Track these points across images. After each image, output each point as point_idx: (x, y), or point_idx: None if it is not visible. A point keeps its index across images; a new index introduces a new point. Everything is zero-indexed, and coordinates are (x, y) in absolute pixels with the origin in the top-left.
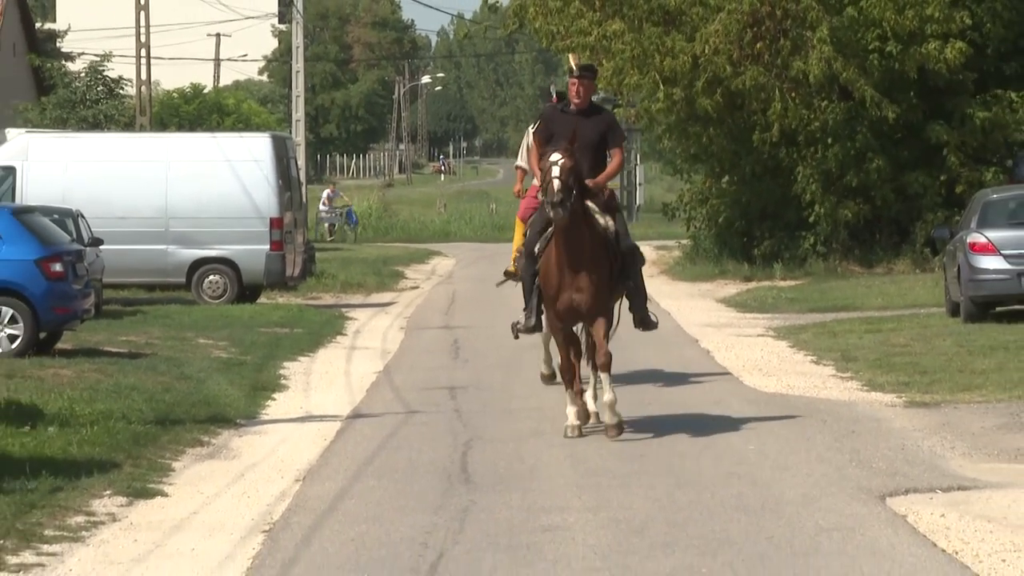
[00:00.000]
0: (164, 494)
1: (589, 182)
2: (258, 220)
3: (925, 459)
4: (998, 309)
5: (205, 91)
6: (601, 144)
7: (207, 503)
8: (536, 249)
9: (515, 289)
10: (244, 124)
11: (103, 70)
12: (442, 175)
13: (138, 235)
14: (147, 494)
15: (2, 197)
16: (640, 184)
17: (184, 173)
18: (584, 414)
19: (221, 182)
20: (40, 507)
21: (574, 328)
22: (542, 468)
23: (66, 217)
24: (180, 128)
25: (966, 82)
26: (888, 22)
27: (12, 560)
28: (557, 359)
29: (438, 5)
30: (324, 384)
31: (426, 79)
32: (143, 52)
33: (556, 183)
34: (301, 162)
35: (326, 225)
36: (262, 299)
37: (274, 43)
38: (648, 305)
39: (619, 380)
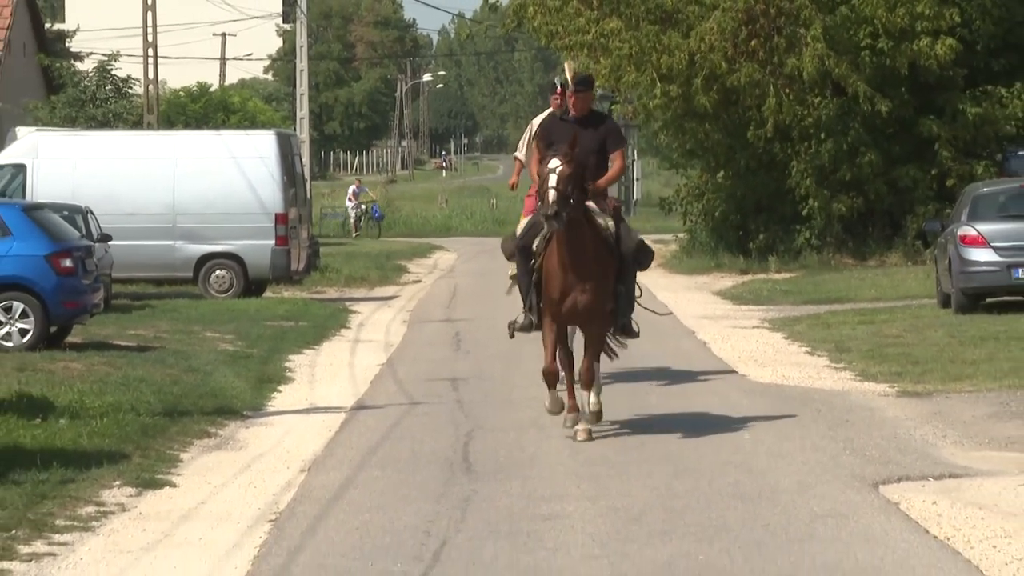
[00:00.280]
0: (172, 484)
1: (589, 185)
2: (263, 216)
3: (917, 447)
4: (988, 300)
5: (211, 90)
6: (602, 151)
7: (214, 493)
8: (535, 246)
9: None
10: (249, 122)
11: (111, 69)
12: (444, 171)
13: (146, 231)
14: (156, 484)
15: (13, 194)
16: (637, 179)
17: (191, 170)
18: (561, 404)
19: (227, 179)
20: (51, 497)
21: (569, 333)
22: (542, 457)
23: (75, 213)
24: (187, 126)
25: (956, 78)
26: (880, 19)
27: (24, 549)
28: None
29: (439, 4)
30: (329, 376)
31: (427, 77)
32: (150, 52)
33: (552, 194)
34: (305, 159)
35: (352, 220)
36: (268, 293)
37: (278, 42)
38: (646, 300)
39: (616, 371)
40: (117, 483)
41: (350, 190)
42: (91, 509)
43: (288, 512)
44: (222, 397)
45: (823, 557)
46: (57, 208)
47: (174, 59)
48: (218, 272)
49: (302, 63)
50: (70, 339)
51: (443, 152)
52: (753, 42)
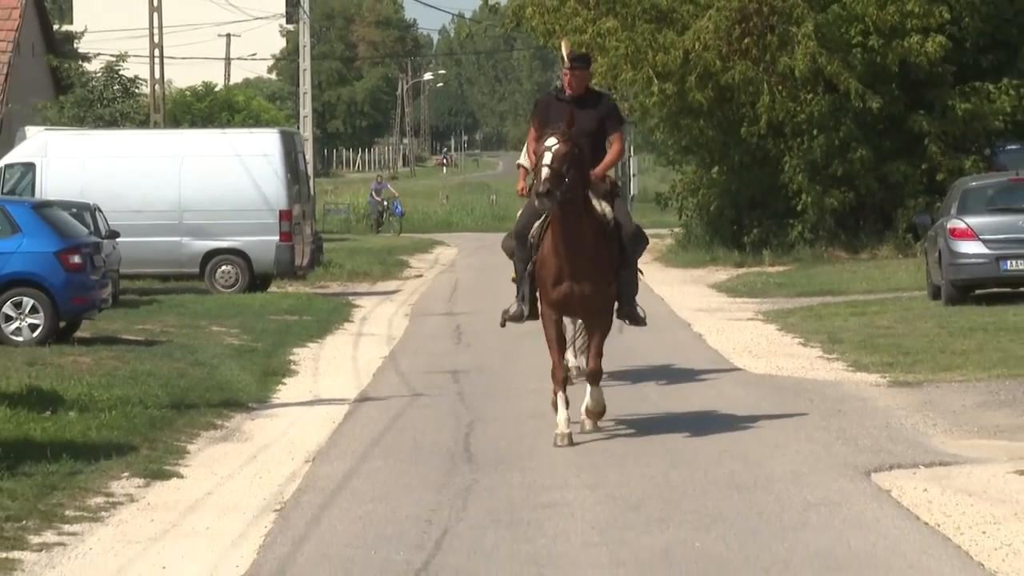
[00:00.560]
0: (180, 475)
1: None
2: (268, 212)
3: (908, 436)
4: (977, 292)
5: (216, 89)
6: (600, 131)
7: (221, 484)
8: (531, 235)
9: None
10: (254, 120)
11: (118, 70)
12: (444, 168)
13: (153, 227)
14: (163, 476)
15: (22, 192)
16: (634, 175)
17: (197, 168)
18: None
19: (232, 176)
20: (61, 489)
21: (571, 325)
22: (541, 448)
23: (84, 211)
24: (192, 125)
25: (946, 74)
26: (871, 17)
27: (34, 540)
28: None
29: (439, 4)
30: (332, 369)
31: (428, 76)
32: (157, 52)
33: (545, 171)
34: (309, 156)
35: (374, 216)
36: (272, 288)
37: (282, 42)
38: (640, 294)
39: (613, 362)
40: (125, 474)
41: (372, 186)
42: (100, 500)
43: (293, 502)
44: (228, 390)
45: (816, 544)
46: (66, 206)
47: (180, 59)
48: (224, 268)
49: (305, 63)
50: (79, 334)
51: (444, 149)
52: (746, 40)
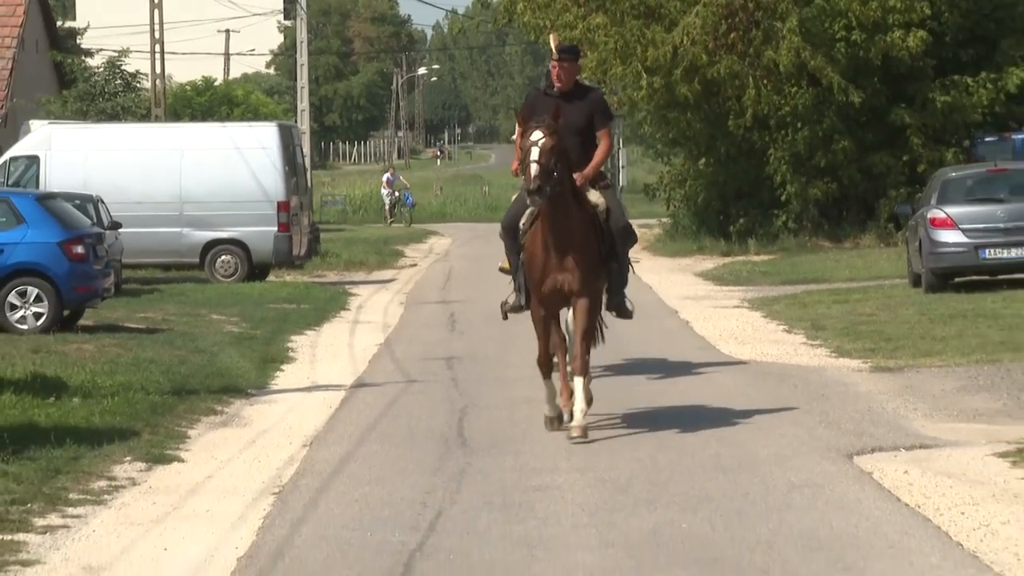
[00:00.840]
0: (181, 460)
1: (577, 176)
2: (266, 203)
3: (889, 420)
4: (957, 280)
5: (216, 84)
6: (588, 127)
7: (221, 468)
8: (521, 225)
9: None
10: (252, 114)
11: (120, 65)
12: (438, 160)
13: (154, 218)
14: (165, 460)
15: (27, 184)
16: (623, 166)
17: (197, 160)
18: (559, 409)
19: (231, 168)
20: (65, 472)
21: (561, 321)
22: (533, 432)
23: (87, 202)
24: (193, 118)
25: (926, 68)
26: (854, 12)
27: (39, 522)
28: (559, 398)
29: (433, 1)
30: (329, 356)
31: (422, 70)
32: (157, 48)
33: (534, 168)
34: (306, 149)
35: (386, 207)
36: (271, 277)
37: (280, 38)
38: (629, 283)
39: (601, 349)
40: (128, 459)
41: (384, 178)
42: (103, 483)
43: (291, 485)
44: (228, 376)
45: (800, 525)
46: (69, 197)
47: (180, 55)
48: (223, 257)
49: (302, 58)
50: (82, 322)
51: (438, 142)
52: (732, 35)
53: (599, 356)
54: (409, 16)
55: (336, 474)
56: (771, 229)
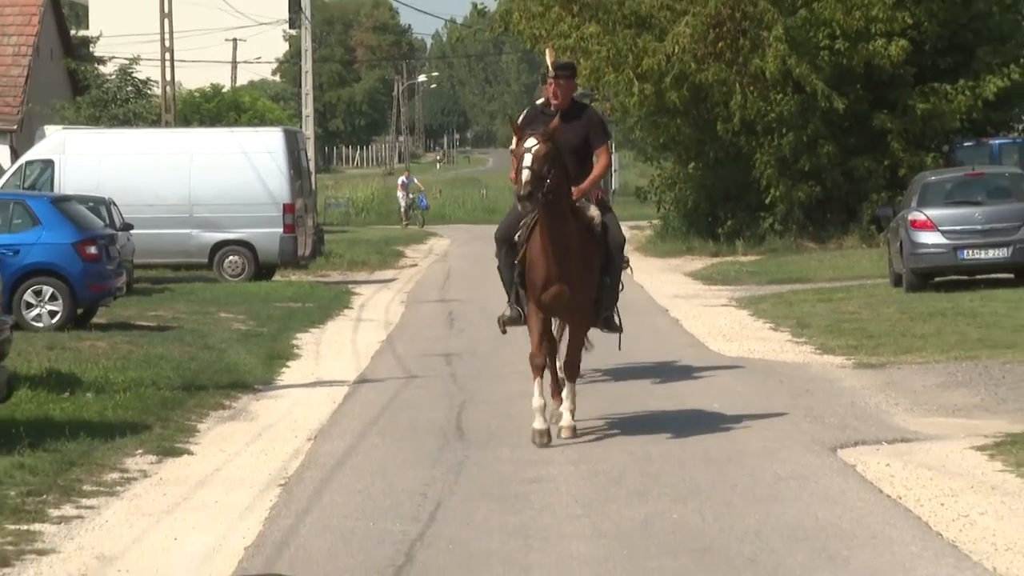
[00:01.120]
0: (190, 452)
1: (574, 190)
2: (272, 206)
3: (872, 414)
4: (936, 279)
5: (223, 90)
6: (585, 145)
7: (229, 460)
8: (517, 237)
9: None
10: (259, 120)
11: (132, 72)
12: (438, 163)
13: (165, 220)
14: (175, 453)
15: (42, 187)
16: (615, 170)
17: (205, 164)
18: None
19: (239, 172)
20: (79, 465)
21: (554, 326)
22: (529, 426)
23: (100, 205)
24: (201, 124)
25: (907, 76)
26: (837, 22)
27: (54, 512)
28: (551, 406)
29: (432, 11)
30: (333, 353)
31: (422, 78)
32: (167, 56)
33: (526, 173)
34: (310, 153)
35: (402, 209)
36: (277, 277)
37: (285, 46)
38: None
39: (594, 349)
40: (139, 451)
41: (400, 181)
42: (115, 475)
43: (296, 477)
44: (235, 372)
45: (786, 515)
46: (83, 200)
47: (189, 62)
48: (231, 258)
49: (307, 65)
50: (96, 320)
51: (437, 147)
52: (720, 44)
53: (589, 354)
54: (409, 25)
55: (339, 466)
56: (758, 231)
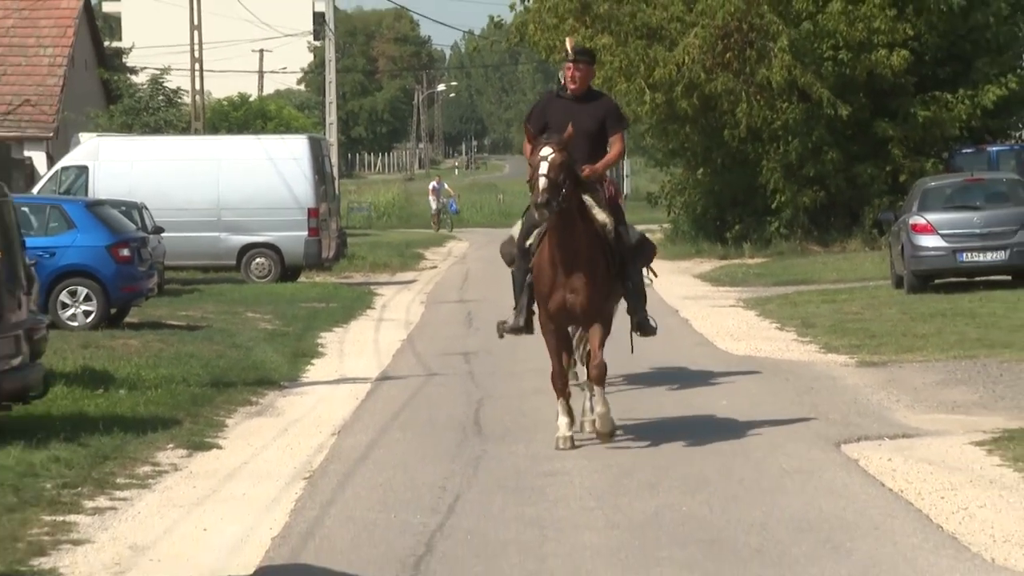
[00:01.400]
0: (219, 447)
1: (586, 169)
2: (297, 210)
3: (874, 411)
4: (936, 281)
5: (251, 99)
6: (600, 131)
7: (256, 454)
8: (528, 244)
9: None
10: (284, 128)
11: (163, 82)
12: (456, 169)
13: (194, 224)
14: (204, 447)
15: (77, 192)
16: (627, 176)
17: (233, 170)
18: (571, 422)
19: (265, 178)
20: (112, 458)
21: (569, 331)
22: (544, 422)
23: (132, 209)
24: (229, 131)
25: (908, 85)
26: (841, 33)
27: (89, 504)
28: (576, 416)
29: (451, 23)
30: (356, 351)
31: (441, 87)
32: (197, 66)
33: (543, 181)
34: (334, 160)
35: (432, 213)
36: (302, 278)
37: (310, 57)
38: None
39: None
40: (170, 446)
41: (431, 186)
42: (147, 468)
43: (321, 471)
44: (262, 370)
45: (791, 508)
46: (116, 204)
47: (218, 72)
48: (258, 260)
49: (331, 75)
50: (128, 319)
51: (455, 154)
52: (728, 54)
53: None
54: (429, 37)
55: (362, 460)
56: (764, 234)
